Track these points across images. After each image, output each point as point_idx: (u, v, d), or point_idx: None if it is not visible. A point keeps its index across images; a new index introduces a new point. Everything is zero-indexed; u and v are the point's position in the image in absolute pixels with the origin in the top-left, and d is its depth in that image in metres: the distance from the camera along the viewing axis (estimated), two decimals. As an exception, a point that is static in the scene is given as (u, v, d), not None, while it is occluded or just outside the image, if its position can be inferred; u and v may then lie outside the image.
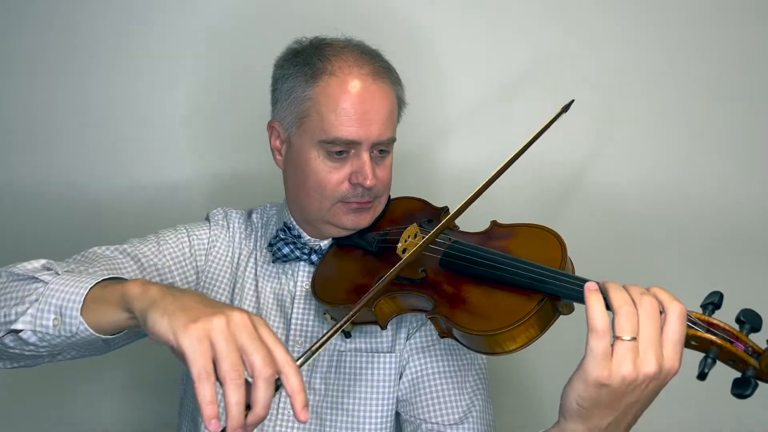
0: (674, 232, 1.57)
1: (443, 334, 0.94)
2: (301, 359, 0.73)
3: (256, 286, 1.16)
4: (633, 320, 0.72)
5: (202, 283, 1.15)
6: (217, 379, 0.65)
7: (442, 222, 0.98)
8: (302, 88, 1.05)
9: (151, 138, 1.59)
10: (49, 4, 1.54)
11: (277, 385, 0.68)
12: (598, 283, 0.78)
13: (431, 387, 1.07)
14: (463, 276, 0.96)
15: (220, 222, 1.20)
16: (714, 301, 0.77)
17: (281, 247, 1.13)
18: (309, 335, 1.12)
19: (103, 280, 0.81)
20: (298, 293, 1.14)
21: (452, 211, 0.98)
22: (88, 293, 0.78)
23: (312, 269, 1.14)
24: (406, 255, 0.94)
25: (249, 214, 1.24)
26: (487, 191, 0.99)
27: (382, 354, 1.10)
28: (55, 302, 0.79)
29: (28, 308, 0.81)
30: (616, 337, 0.73)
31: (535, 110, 1.53)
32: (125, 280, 0.80)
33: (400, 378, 1.10)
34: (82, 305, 0.78)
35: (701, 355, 0.75)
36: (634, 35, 1.53)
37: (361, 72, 1.05)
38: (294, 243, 1.13)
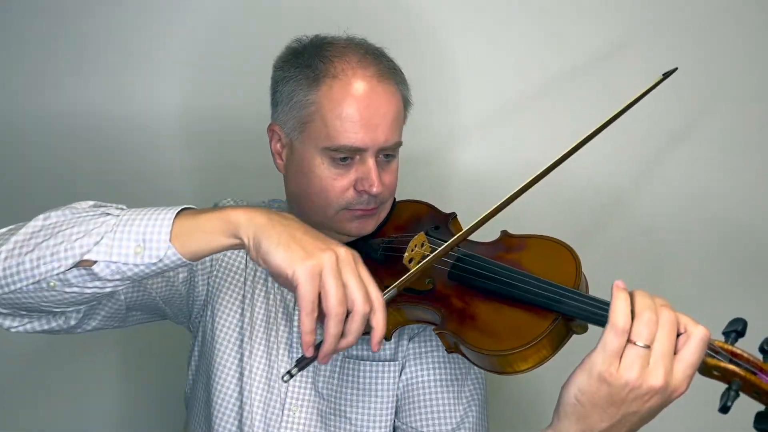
0: (695, 253, 1.49)
1: (450, 349, 0.91)
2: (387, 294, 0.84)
3: (266, 288, 1.13)
4: (652, 329, 0.71)
5: (212, 304, 1.12)
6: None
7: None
8: (304, 92, 1.01)
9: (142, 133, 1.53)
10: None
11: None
12: None
13: (426, 395, 1.05)
14: (473, 290, 0.92)
15: None
16: (737, 329, 0.73)
17: None
18: None
19: (182, 209, 0.82)
20: None
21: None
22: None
23: None
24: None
25: None
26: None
27: (384, 363, 1.07)
28: (136, 230, 0.80)
29: (101, 239, 0.80)
30: (629, 341, 0.71)
31: (548, 113, 1.47)
32: (208, 210, 0.83)
33: None
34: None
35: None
36: (646, 39, 1.46)
37: (366, 74, 1.00)
38: None
